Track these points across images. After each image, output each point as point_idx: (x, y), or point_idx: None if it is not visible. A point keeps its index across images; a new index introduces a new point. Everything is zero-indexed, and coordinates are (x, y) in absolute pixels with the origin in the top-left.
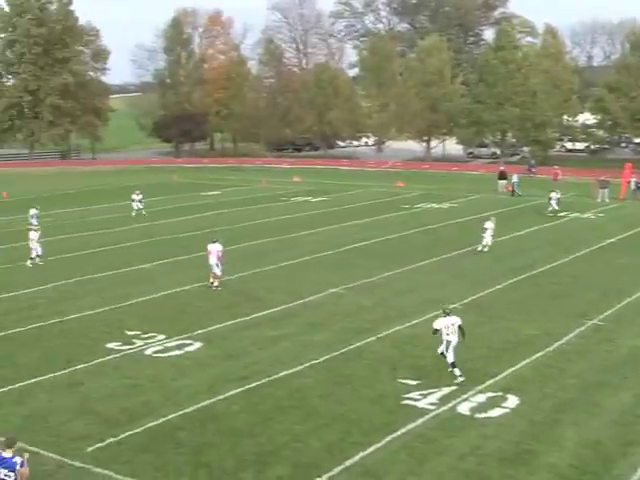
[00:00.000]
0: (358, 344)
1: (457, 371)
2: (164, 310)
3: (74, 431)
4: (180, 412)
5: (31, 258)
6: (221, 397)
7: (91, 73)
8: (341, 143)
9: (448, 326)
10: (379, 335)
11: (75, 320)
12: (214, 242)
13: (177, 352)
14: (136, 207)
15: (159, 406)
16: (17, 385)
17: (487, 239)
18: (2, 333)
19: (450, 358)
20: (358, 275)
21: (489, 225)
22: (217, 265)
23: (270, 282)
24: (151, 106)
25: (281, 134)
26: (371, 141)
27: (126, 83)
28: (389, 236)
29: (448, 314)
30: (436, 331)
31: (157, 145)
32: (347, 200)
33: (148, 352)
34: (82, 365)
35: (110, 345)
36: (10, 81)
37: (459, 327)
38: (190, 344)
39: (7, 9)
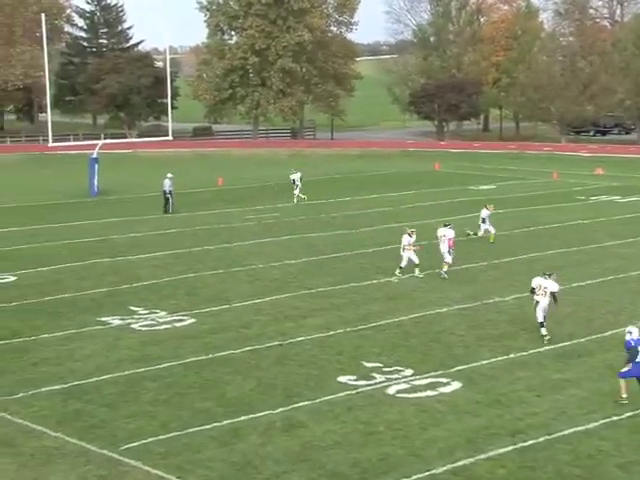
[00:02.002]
0: None
1: (543, 330)
2: (414, 337)
3: None
4: (428, 472)
5: (401, 267)
6: (484, 456)
7: (334, 29)
8: None
9: (541, 286)
10: None
11: (299, 344)
12: (446, 226)
13: (428, 393)
14: (298, 192)
15: (402, 462)
16: (224, 422)
17: None
18: (210, 355)
19: (539, 318)
20: None
21: None
22: (449, 252)
23: (558, 307)
24: (409, 72)
25: (580, 111)
26: None
27: (377, 42)
28: None
29: (547, 277)
30: (533, 289)
31: (415, 123)
32: None
33: (390, 391)
34: (305, 402)
35: (342, 379)
36: (233, 39)
37: (552, 293)
38: (446, 384)
39: None
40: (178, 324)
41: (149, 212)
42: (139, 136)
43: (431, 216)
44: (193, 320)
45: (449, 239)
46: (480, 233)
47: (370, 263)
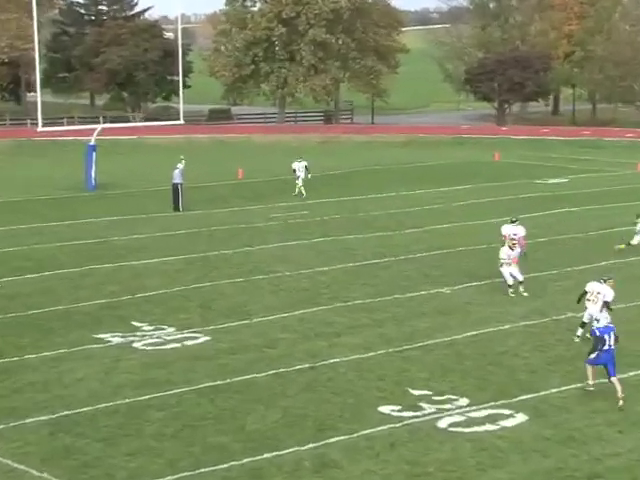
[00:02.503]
0: None
1: (580, 332)
2: (470, 360)
3: None
4: None
5: (509, 286)
6: None
7: None
8: None
9: (594, 292)
10: None
11: (333, 367)
12: (513, 222)
13: (487, 427)
14: (301, 182)
15: None
16: (244, 461)
17: None
18: (227, 380)
19: (585, 318)
20: None
21: None
22: (525, 254)
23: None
24: (464, 45)
25: None
26: None
27: (426, 10)
28: None
29: (603, 282)
30: (585, 293)
31: (471, 105)
32: None
33: (442, 424)
34: (340, 437)
35: (384, 409)
36: (256, 5)
37: (605, 302)
38: (508, 416)
39: None
40: (189, 342)
41: (156, 209)
42: (145, 120)
43: (489, 215)
44: (207, 338)
45: (520, 237)
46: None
47: (417, 271)
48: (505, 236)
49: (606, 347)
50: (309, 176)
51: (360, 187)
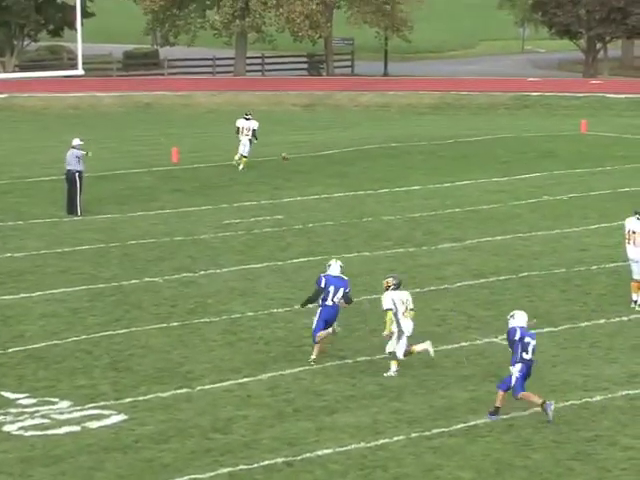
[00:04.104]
0: None
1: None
2: (538, 453)
3: None
4: None
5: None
6: None
7: None
8: None
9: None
10: None
11: (321, 463)
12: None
13: None
14: (247, 150)
15: None
16: None
17: None
18: None
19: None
20: None
21: None
22: None
23: None
24: None
25: None
26: None
27: None
28: None
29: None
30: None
31: (543, 44)
32: None
33: None
34: None
35: None
36: None
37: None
38: None
39: None
40: (94, 424)
41: (40, 212)
42: (20, 68)
43: (573, 220)
44: (122, 417)
45: None
46: None
47: (456, 308)
48: (629, 233)
49: (328, 302)
50: (247, 149)
51: (366, 176)
